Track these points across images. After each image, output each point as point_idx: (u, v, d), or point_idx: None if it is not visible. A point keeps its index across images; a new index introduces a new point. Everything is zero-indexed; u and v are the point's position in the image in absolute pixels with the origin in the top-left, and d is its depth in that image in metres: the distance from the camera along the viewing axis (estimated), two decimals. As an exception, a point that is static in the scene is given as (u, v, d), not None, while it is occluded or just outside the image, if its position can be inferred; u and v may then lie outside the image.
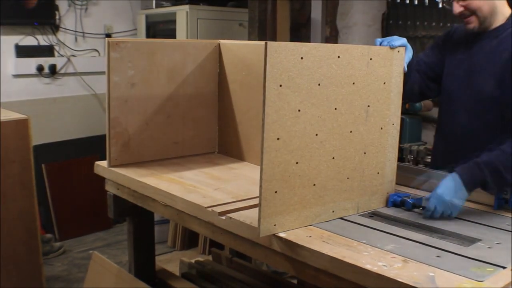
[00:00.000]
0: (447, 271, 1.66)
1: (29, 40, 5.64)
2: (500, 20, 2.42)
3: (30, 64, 5.61)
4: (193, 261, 3.48)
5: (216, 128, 3.10)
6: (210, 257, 3.69)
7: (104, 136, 2.72)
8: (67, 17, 5.81)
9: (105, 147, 2.74)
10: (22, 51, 5.64)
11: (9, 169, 3.45)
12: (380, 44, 2.23)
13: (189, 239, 5.10)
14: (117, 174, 2.68)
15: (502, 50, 2.36)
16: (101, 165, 2.81)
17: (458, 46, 2.56)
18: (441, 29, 5.00)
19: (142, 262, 3.07)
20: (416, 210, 2.20)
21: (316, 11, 6.02)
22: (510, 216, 2.18)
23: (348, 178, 2.11)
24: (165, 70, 2.85)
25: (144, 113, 2.81)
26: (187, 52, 2.96)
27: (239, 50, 2.95)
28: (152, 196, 2.46)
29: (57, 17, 5.74)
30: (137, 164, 2.78)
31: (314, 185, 2.00)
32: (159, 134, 2.87)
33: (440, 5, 4.98)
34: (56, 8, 5.76)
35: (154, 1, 6.14)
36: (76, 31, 5.89)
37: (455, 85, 2.53)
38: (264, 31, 5.12)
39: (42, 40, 5.70)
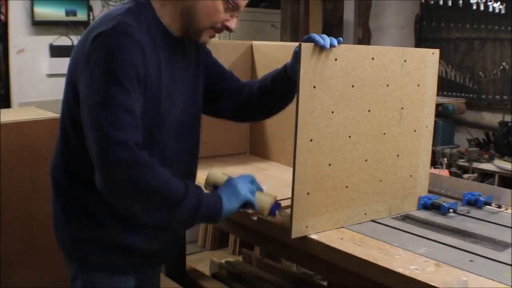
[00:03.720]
0: (480, 275, 1.64)
1: (63, 40, 5.70)
2: None
3: (64, 63, 5.65)
4: (223, 261, 3.49)
5: (248, 129, 3.10)
6: (240, 258, 3.69)
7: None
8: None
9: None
10: (56, 51, 5.71)
11: (42, 167, 3.47)
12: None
13: (219, 239, 5.11)
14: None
15: None
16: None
17: None
18: (475, 31, 4.96)
19: (173, 261, 3.09)
20: (450, 214, 2.18)
21: (349, 12, 6.01)
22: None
23: (380, 180, 2.10)
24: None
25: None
26: (219, 53, 2.94)
27: (272, 51, 2.95)
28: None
29: (91, 17, 5.81)
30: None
31: (347, 187, 2.00)
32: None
33: (474, 7, 4.93)
34: (90, 8, 5.82)
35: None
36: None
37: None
38: (296, 32, 5.13)
39: (76, 40, 5.77)
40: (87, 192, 1.90)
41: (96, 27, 1.81)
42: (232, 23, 1.93)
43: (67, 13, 5.71)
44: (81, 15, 5.70)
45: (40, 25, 5.66)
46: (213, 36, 1.97)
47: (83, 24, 5.76)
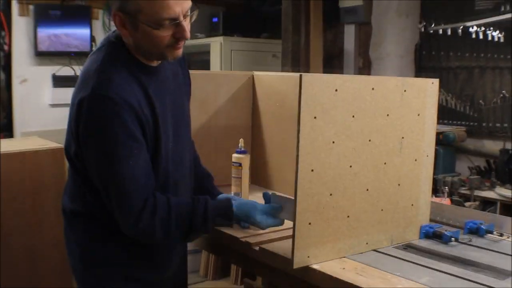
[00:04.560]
0: (483, 305, 1.64)
1: (66, 71, 5.74)
2: None
3: (67, 94, 5.67)
4: (225, 291, 3.48)
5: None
6: (242, 287, 3.67)
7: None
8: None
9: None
10: (59, 81, 5.75)
11: (45, 197, 3.48)
12: None
13: (222, 269, 5.09)
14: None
15: None
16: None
17: None
18: (475, 59, 4.98)
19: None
20: (452, 242, 2.17)
21: (349, 42, 6.05)
22: (547, 249, 2.15)
23: (382, 210, 2.10)
24: (197, 101, 2.87)
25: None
26: (220, 83, 2.98)
27: (273, 81, 2.97)
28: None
29: (93, 48, 5.84)
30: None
31: (348, 217, 2.00)
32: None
33: (473, 36, 4.96)
34: (93, 39, 5.87)
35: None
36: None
37: None
38: (297, 62, 5.15)
39: (79, 70, 5.80)
40: (99, 224, 2.06)
41: (79, 89, 1.90)
42: (181, 33, 1.93)
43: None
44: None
45: (43, 56, 5.70)
46: (179, 49, 2.00)
47: (86, 54, 5.81)
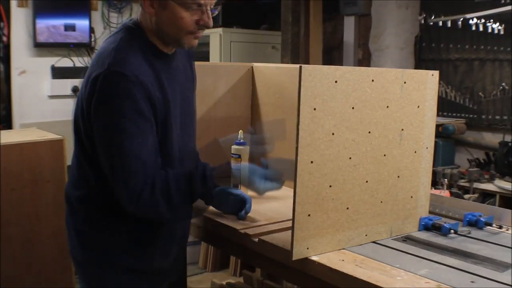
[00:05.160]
0: (482, 297, 1.64)
1: (65, 62, 5.73)
2: None
3: (66, 85, 5.70)
4: (224, 282, 3.49)
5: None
6: (241, 279, 3.68)
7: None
8: (103, 39, 5.90)
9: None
10: (58, 73, 5.74)
11: (43, 188, 3.49)
12: None
13: (221, 261, 5.10)
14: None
15: None
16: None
17: None
18: (474, 52, 4.98)
19: (174, 282, 3.07)
20: (451, 234, 2.17)
21: (349, 34, 6.05)
22: (546, 242, 2.15)
23: (381, 202, 2.10)
24: (197, 92, 2.86)
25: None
26: (219, 75, 2.97)
27: (272, 73, 2.97)
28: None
29: (92, 39, 5.84)
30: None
31: (347, 208, 2.00)
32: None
33: (473, 28, 4.95)
34: (92, 30, 5.86)
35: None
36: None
37: None
38: (297, 53, 5.15)
39: (78, 61, 5.79)
40: (101, 214, 2.08)
41: (94, 67, 1.95)
42: (205, 20, 2.01)
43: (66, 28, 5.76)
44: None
45: (42, 47, 5.69)
46: (197, 38, 2.07)
47: (85, 46, 5.80)
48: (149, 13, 2.00)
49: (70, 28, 5.77)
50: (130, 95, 1.88)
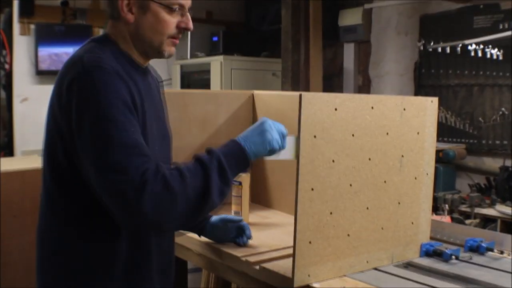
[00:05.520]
0: (484, 324, 1.64)
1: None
2: None
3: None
4: (225, 310, 3.46)
5: (249, 178, 3.10)
6: (242, 306, 3.66)
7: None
8: (104, 66, 5.92)
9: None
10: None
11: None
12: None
13: (222, 288, 5.06)
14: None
15: None
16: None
17: None
18: (474, 77, 5.00)
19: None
20: (452, 260, 2.17)
21: (349, 61, 6.08)
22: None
23: (382, 228, 2.10)
24: (197, 120, 2.88)
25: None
26: (220, 102, 2.99)
27: (273, 100, 2.98)
28: (186, 245, 2.47)
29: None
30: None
31: (348, 235, 2.00)
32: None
33: (472, 54, 4.98)
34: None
35: (189, 52, 6.24)
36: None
37: None
38: (297, 80, 5.16)
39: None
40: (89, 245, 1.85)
41: (66, 73, 1.77)
42: (187, 23, 1.91)
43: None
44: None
45: (44, 75, 5.71)
46: (175, 44, 1.94)
47: (86, 73, 5.82)
48: (127, 19, 1.85)
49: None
50: (111, 87, 1.70)
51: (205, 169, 1.76)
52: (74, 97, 1.70)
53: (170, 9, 1.85)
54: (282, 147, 1.93)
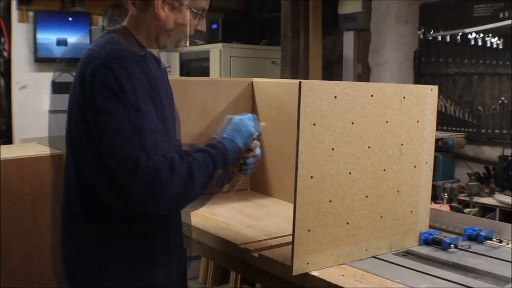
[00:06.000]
0: (482, 312, 1.64)
1: (65, 77, 5.74)
2: None
3: (66, 100, 5.69)
4: (224, 298, 3.47)
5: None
6: (241, 294, 3.67)
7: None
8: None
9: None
10: (58, 87, 5.74)
11: (44, 203, 3.49)
12: None
13: (221, 275, 5.08)
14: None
15: None
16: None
17: None
18: (473, 66, 4.99)
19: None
20: (451, 249, 2.17)
21: (348, 49, 6.07)
22: (546, 256, 2.15)
23: (381, 216, 2.10)
24: (197, 108, 2.88)
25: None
26: (219, 90, 2.98)
27: (272, 88, 2.97)
28: (185, 232, 2.46)
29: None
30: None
31: (347, 223, 2.00)
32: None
33: (472, 42, 4.97)
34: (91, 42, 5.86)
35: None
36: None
37: None
38: (296, 68, 5.15)
39: (78, 77, 5.79)
40: (106, 228, 1.97)
41: (88, 63, 1.85)
42: (202, 26, 2.10)
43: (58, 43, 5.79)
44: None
45: (43, 62, 5.70)
46: (190, 39, 2.11)
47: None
48: (159, 15, 1.97)
49: (62, 43, 5.81)
50: (133, 74, 1.82)
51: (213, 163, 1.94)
52: (98, 85, 1.79)
53: (195, 14, 2.04)
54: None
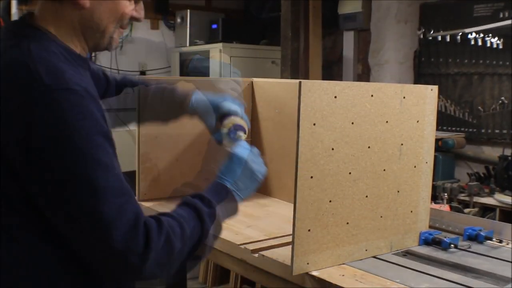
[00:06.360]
0: (482, 312, 1.64)
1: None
2: None
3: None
4: (224, 298, 3.47)
5: (249, 165, 3.11)
6: (241, 294, 3.67)
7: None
8: (103, 54, 5.94)
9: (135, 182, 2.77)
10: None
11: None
12: None
13: (221, 275, 5.08)
14: (146, 209, 2.68)
15: None
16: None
17: None
18: (473, 66, 5.00)
19: (174, 298, 3.07)
20: (451, 249, 2.17)
21: (348, 49, 6.07)
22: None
23: (381, 216, 2.10)
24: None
25: (175, 150, 2.84)
26: (219, 90, 2.97)
27: (272, 88, 2.97)
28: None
29: (93, 54, 5.85)
30: (166, 199, 2.79)
31: (347, 223, 1.99)
32: (189, 170, 2.87)
33: (472, 42, 4.97)
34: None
35: (188, 39, 6.22)
36: (111, 68, 6.00)
37: None
38: (296, 68, 5.16)
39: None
40: None
41: (9, 89, 1.37)
42: (140, 12, 1.66)
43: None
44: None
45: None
46: (121, 34, 1.70)
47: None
48: (82, 3, 1.51)
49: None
50: (88, 115, 1.38)
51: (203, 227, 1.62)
52: (37, 125, 1.34)
53: None
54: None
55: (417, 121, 2.16)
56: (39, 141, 1.33)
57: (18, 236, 1.43)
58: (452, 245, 2.17)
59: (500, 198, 4.27)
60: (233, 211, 1.82)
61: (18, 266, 1.43)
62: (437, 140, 4.06)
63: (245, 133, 2.11)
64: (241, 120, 2.15)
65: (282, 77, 5.22)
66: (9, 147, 1.35)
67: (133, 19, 1.65)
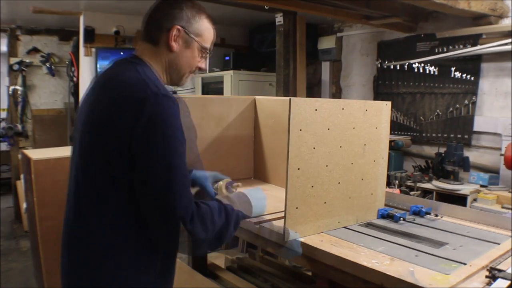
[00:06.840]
0: (423, 267, 1.64)
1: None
2: None
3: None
4: (234, 257, 3.46)
5: (252, 160, 3.10)
6: (247, 255, 3.66)
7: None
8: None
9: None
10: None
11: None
12: None
13: (232, 241, 5.06)
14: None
15: None
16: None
17: None
18: (417, 87, 4.99)
19: (197, 258, 3.06)
20: (400, 221, 2.17)
21: (325, 74, 6.07)
22: (471, 225, 2.14)
23: (350, 197, 2.09)
24: (214, 118, 2.86)
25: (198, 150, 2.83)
26: (230, 104, 2.97)
27: (270, 103, 2.96)
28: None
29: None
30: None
31: (325, 203, 1.99)
32: (209, 165, 2.84)
33: (416, 70, 4.96)
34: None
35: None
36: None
37: None
38: (287, 89, 5.14)
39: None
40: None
41: (121, 92, 1.46)
42: (204, 64, 1.70)
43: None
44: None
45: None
46: (190, 77, 1.73)
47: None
48: (172, 47, 1.59)
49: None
50: (177, 118, 1.45)
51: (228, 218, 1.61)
52: (144, 115, 1.41)
53: (203, 51, 1.67)
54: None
55: (376, 128, 2.15)
56: (146, 125, 1.41)
57: (112, 204, 1.47)
58: (401, 219, 2.17)
59: (436, 184, 4.26)
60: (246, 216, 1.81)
61: (106, 224, 1.48)
62: (390, 142, 4.05)
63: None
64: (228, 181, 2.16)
65: (277, 95, 5.21)
66: (124, 126, 1.42)
67: (200, 69, 1.71)
